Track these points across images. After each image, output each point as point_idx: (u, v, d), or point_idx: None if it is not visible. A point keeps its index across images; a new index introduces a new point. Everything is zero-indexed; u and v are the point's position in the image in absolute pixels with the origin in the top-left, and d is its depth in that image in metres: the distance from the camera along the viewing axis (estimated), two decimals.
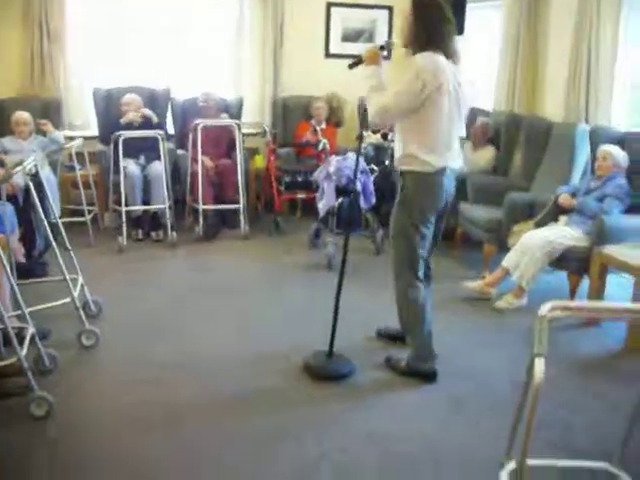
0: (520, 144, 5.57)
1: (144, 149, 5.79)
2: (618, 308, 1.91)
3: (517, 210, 4.78)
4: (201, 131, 5.70)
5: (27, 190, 3.62)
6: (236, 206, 5.86)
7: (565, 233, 4.27)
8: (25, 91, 6.16)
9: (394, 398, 3.23)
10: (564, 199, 4.43)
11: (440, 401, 3.20)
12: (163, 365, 3.48)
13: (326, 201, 5.13)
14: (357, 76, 3.34)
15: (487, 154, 5.82)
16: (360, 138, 3.50)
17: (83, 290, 3.90)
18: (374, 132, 5.84)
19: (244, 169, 5.97)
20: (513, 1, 5.74)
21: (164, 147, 5.62)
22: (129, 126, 5.77)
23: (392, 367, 3.46)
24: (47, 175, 4.99)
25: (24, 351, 2.91)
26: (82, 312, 3.63)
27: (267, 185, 6.33)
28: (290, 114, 6.94)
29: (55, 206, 4.25)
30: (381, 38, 7.11)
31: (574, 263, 4.25)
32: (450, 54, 3.09)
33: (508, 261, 4.39)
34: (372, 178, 5.29)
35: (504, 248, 4.63)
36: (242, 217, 5.84)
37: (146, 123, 5.89)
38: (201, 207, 5.68)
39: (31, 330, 3.11)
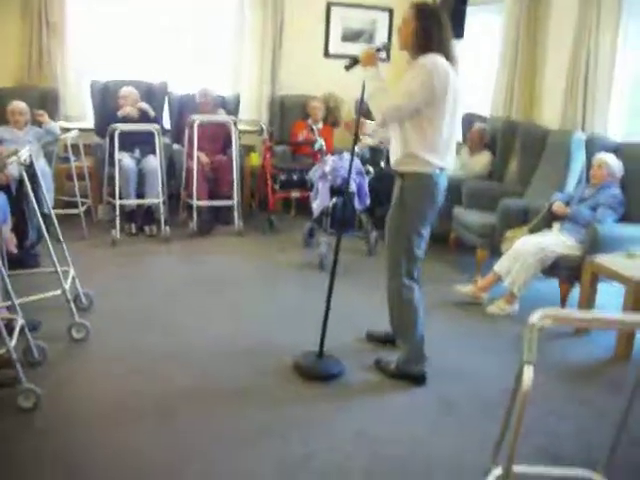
0: (516, 150, 5.58)
1: (140, 143, 5.78)
2: (608, 319, 1.91)
3: (511, 216, 4.79)
4: (198, 127, 5.69)
5: (21, 181, 3.60)
6: (230, 203, 5.85)
7: (558, 241, 4.29)
8: (23, 81, 6.15)
9: (384, 400, 3.23)
10: (558, 207, 4.45)
11: (429, 404, 3.20)
12: (153, 359, 3.47)
13: (320, 201, 5.13)
14: (355, 77, 3.35)
15: (483, 159, 5.83)
16: (356, 138, 3.48)
17: (74, 282, 3.89)
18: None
19: (239, 166, 5.97)
20: (513, 6, 5.75)
21: (160, 141, 5.61)
22: (126, 119, 5.75)
23: (381, 369, 3.46)
24: (42, 166, 4.98)
25: (13, 342, 2.90)
26: (73, 305, 3.62)
27: (262, 183, 6.33)
28: (287, 112, 6.94)
29: (49, 197, 4.23)
30: (381, 39, 7.14)
31: (566, 271, 4.27)
32: (449, 58, 3.14)
33: (500, 266, 4.41)
34: (367, 179, 5.29)
35: (497, 253, 4.64)
36: (236, 214, 5.83)
37: (143, 117, 5.88)
38: (195, 203, 5.68)
39: (21, 321, 3.11)
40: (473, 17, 6.31)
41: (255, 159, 6.61)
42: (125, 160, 5.66)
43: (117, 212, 5.44)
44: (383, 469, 2.67)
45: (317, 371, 3.40)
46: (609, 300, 4.37)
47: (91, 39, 6.42)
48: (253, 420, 2.97)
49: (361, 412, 3.10)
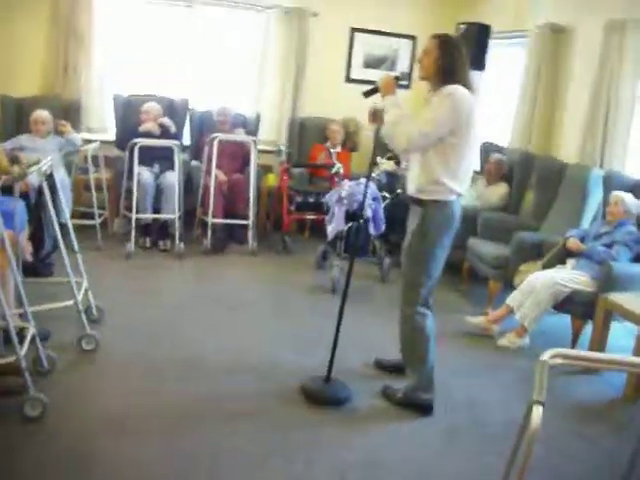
0: (533, 183, 5.57)
1: (159, 158, 5.82)
2: (619, 360, 1.90)
3: (525, 249, 4.78)
4: (217, 145, 5.73)
5: (39, 190, 3.64)
6: (245, 222, 5.88)
7: (572, 276, 4.26)
8: (47, 91, 6.23)
9: (390, 427, 3.22)
10: (573, 243, 4.43)
11: (435, 433, 3.18)
12: (161, 374, 3.48)
13: (335, 225, 5.14)
14: (374, 103, 3.38)
15: (500, 190, 5.82)
16: (372, 164, 3.50)
17: (87, 294, 3.91)
18: (389, 158, 5.83)
19: (256, 186, 6.00)
20: (536, 40, 5.77)
21: (179, 158, 5.65)
22: (147, 134, 5.80)
23: (388, 397, 3.45)
24: (61, 177, 5.02)
25: (24, 351, 2.91)
26: (84, 316, 3.64)
27: (277, 204, 6.35)
28: (306, 135, 6.97)
29: (66, 208, 4.27)
30: (403, 66, 7.20)
31: (579, 307, 4.24)
32: (469, 88, 3.16)
33: (513, 300, 4.39)
34: (383, 205, 5.29)
35: (509, 286, 4.62)
36: (251, 233, 5.86)
37: (164, 133, 5.93)
38: (210, 220, 5.71)
39: (32, 330, 3.12)
40: (495, 49, 6.36)
41: (272, 180, 6.64)
42: (144, 174, 5.71)
43: (133, 225, 5.48)
44: None
45: (324, 395, 3.39)
46: (620, 339, 4.34)
47: (116, 52, 6.50)
48: (258, 441, 2.96)
49: (366, 438, 3.09)
